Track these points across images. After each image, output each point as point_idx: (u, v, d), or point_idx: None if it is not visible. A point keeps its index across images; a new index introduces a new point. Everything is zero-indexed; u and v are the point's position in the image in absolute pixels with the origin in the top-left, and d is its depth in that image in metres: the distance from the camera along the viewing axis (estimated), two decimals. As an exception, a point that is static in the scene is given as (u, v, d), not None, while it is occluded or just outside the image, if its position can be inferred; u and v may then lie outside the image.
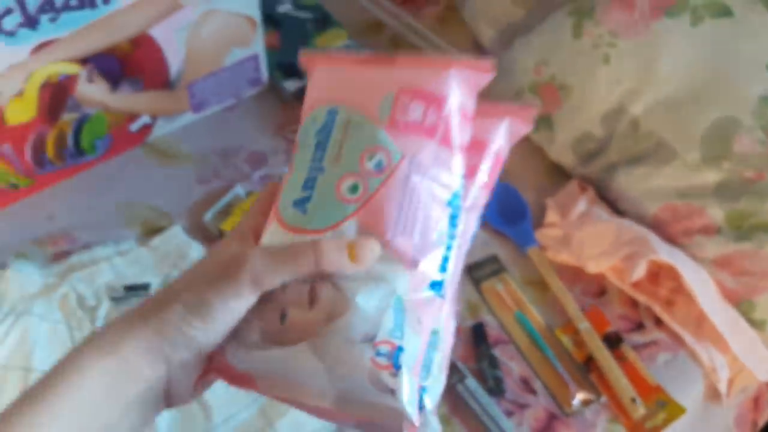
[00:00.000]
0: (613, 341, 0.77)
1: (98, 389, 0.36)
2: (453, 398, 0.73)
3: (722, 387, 0.76)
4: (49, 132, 0.82)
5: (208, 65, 0.91)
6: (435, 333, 0.39)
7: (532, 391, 0.75)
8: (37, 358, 0.70)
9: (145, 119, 0.89)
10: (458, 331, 0.76)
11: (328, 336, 0.37)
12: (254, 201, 0.44)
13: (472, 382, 0.74)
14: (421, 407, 0.38)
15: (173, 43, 0.85)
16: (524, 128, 0.45)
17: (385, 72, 0.41)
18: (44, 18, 0.73)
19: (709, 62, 0.79)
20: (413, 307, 0.38)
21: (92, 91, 0.82)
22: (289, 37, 1.02)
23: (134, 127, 0.89)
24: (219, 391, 0.68)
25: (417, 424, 0.37)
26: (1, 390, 0.68)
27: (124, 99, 0.86)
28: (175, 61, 0.87)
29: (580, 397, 0.73)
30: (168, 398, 0.39)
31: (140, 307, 0.39)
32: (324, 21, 1.04)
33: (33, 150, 0.82)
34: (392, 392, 0.36)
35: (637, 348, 0.77)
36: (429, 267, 0.39)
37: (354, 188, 0.39)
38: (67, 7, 0.73)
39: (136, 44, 0.82)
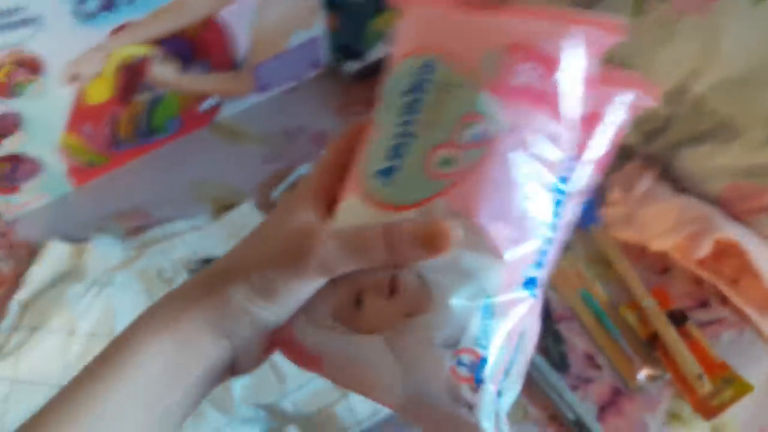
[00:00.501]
0: (677, 318, 0.77)
1: (158, 366, 0.34)
2: (517, 372, 0.75)
3: (788, 365, 0.76)
4: (124, 112, 0.85)
5: (272, 47, 0.93)
6: (522, 336, 0.36)
7: (597, 367, 0.76)
8: (120, 326, 0.73)
9: (212, 100, 0.92)
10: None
11: (406, 333, 0.33)
12: (328, 151, 0.38)
13: (536, 357, 0.75)
14: (497, 415, 0.35)
15: (240, 26, 0.87)
16: (647, 102, 0.39)
17: (493, 22, 0.35)
18: (122, 1, 0.75)
19: (773, 41, 0.79)
20: (503, 311, 0.34)
21: (164, 72, 0.85)
22: (349, 19, 1.03)
23: (203, 107, 0.92)
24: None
25: None
26: (88, 356, 0.69)
27: (194, 80, 0.89)
28: (241, 43, 0.89)
29: (644, 372, 0.74)
30: (231, 370, 0.38)
31: (200, 279, 0.36)
32: (382, 3, 1.05)
33: (109, 129, 0.85)
34: (470, 407, 0.33)
35: (702, 325, 0.77)
36: (525, 261, 0.34)
37: (447, 161, 0.34)
38: (144, -11, 0.76)
39: (205, 27, 0.84)
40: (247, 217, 0.83)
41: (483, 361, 0.33)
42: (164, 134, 0.91)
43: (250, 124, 0.95)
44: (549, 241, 0.35)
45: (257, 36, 0.90)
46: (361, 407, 0.71)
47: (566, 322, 0.78)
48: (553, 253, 0.36)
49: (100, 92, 0.81)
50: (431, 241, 0.33)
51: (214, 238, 0.82)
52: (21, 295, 0.75)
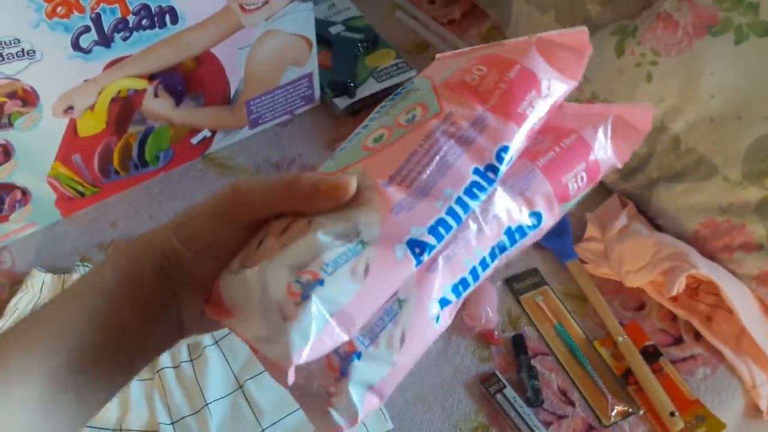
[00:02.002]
0: (651, 355, 0.77)
1: (111, 282, 0.39)
2: (492, 408, 0.75)
3: (763, 404, 0.76)
4: (116, 143, 0.88)
5: (265, 83, 0.96)
6: (399, 302, 0.35)
7: (571, 402, 0.76)
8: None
9: (205, 133, 0.95)
10: (497, 341, 0.79)
11: (273, 260, 0.34)
12: None
13: (510, 391, 0.76)
14: (344, 373, 0.34)
15: (234, 62, 0.90)
16: (636, 132, 0.42)
17: (475, 52, 0.40)
18: (117, 37, 0.78)
19: (752, 80, 0.80)
20: (372, 256, 0.33)
21: (157, 105, 0.88)
22: (341, 56, 1.06)
23: (195, 140, 0.94)
24: (269, 395, 0.73)
25: (297, 359, 0.31)
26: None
27: (187, 114, 0.91)
28: (235, 78, 0.92)
29: (618, 408, 0.74)
30: (180, 325, 0.41)
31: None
32: (374, 41, 1.08)
33: (100, 160, 0.88)
34: (285, 318, 0.32)
35: (676, 362, 0.78)
36: (415, 223, 0.35)
37: (378, 138, 0.38)
38: (139, 27, 0.79)
39: (200, 62, 0.87)
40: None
41: (319, 282, 0.32)
42: (156, 166, 0.93)
43: (241, 157, 0.97)
44: (455, 215, 0.36)
45: (251, 72, 0.93)
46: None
47: (541, 357, 0.79)
48: (464, 237, 0.36)
49: (93, 124, 0.84)
50: (327, 191, 0.36)
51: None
52: (1, 325, 0.76)
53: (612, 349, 0.79)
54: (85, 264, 0.83)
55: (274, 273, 0.33)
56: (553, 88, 0.39)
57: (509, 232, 0.38)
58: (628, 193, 0.89)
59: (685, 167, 0.83)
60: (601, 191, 0.91)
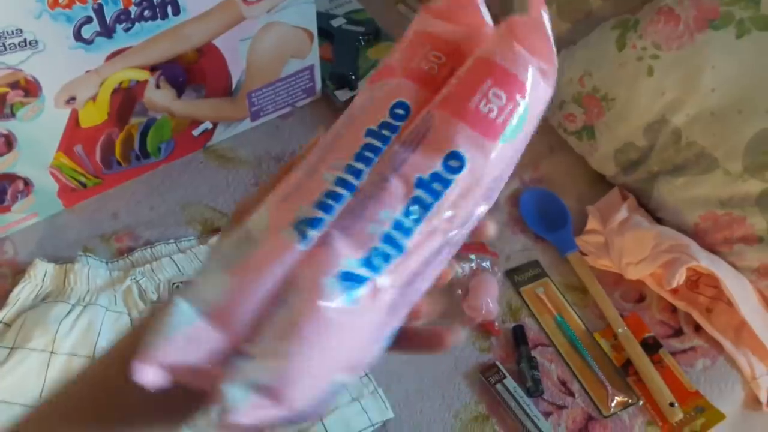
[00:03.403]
0: (651, 346, 0.78)
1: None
2: (492, 398, 0.76)
3: (762, 395, 0.76)
4: (118, 135, 0.88)
5: (267, 75, 0.96)
6: (288, 289, 0.31)
7: (570, 393, 0.76)
8: (101, 347, 0.75)
9: (206, 125, 0.95)
10: (497, 332, 0.79)
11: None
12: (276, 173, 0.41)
13: (511, 382, 0.76)
14: (228, 372, 0.30)
15: (236, 54, 0.90)
16: (536, 22, 0.35)
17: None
18: (119, 27, 0.78)
19: (753, 74, 0.80)
20: (256, 246, 0.32)
21: (159, 97, 0.88)
22: (342, 49, 1.07)
23: (196, 132, 0.95)
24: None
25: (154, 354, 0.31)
26: (67, 377, 0.73)
27: (188, 105, 0.91)
28: (236, 70, 0.92)
29: (617, 399, 0.75)
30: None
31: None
32: (375, 34, 1.08)
33: (102, 151, 0.88)
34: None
35: (676, 354, 0.78)
36: (302, 202, 0.32)
37: None
38: (141, 18, 0.79)
39: (202, 53, 0.87)
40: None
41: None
42: (157, 157, 0.93)
43: (243, 149, 0.97)
44: (345, 184, 0.32)
45: (252, 64, 0.93)
46: (336, 430, 0.72)
47: (542, 348, 0.79)
48: (367, 206, 0.32)
49: (95, 115, 0.84)
50: None
51: (201, 259, 0.84)
52: (4, 314, 0.76)
53: (612, 340, 0.79)
54: (88, 254, 0.83)
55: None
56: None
57: (423, 184, 0.32)
58: (629, 186, 0.89)
59: (686, 160, 0.84)
60: (602, 185, 0.92)
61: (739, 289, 0.78)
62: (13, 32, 0.71)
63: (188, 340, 0.30)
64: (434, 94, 0.34)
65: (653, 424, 0.74)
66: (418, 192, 0.32)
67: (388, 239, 0.32)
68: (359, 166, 0.33)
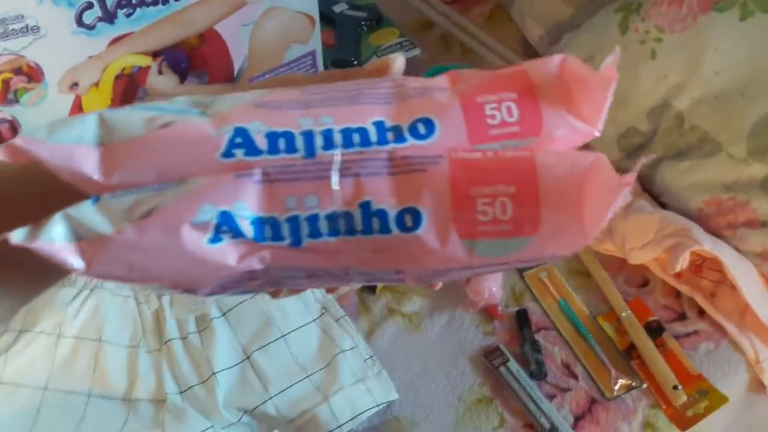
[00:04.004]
0: (654, 330, 0.78)
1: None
2: (495, 380, 0.76)
3: (766, 379, 0.77)
4: (121, 121, 0.88)
5: (269, 61, 0.95)
6: (180, 182, 0.28)
7: (574, 376, 0.77)
8: (107, 330, 0.75)
9: (208, 111, 0.95)
10: (501, 316, 0.79)
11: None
12: None
13: (514, 364, 0.76)
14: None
15: (238, 39, 0.90)
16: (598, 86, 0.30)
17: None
18: (121, 13, 0.78)
19: (757, 56, 0.80)
20: (190, 120, 0.29)
21: (161, 82, 0.88)
22: (344, 34, 1.06)
23: (198, 117, 0.94)
24: (277, 364, 0.74)
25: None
26: (74, 360, 0.73)
27: (190, 91, 0.91)
28: (238, 56, 0.92)
29: (621, 382, 0.75)
30: None
31: None
32: (377, 20, 1.08)
33: (106, 137, 0.88)
34: None
35: (679, 338, 0.78)
36: (260, 119, 0.29)
37: None
38: (142, 3, 0.78)
39: (203, 39, 0.87)
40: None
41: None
42: (160, 143, 0.93)
43: (245, 134, 0.97)
44: (309, 139, 0.28)
45: (254, 49, 0.92)
46: (342, 410, 0.72)
47: (545, 332, 0.79)
48: (300, 169, 0.28)
49: (98, 101, 0.84)
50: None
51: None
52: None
53: (615, 324, 0.79)
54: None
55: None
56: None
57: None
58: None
59: (690, 145, 0.83)
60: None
61: (742, 273, 0.78)
62: (15, 18, 0.71)
63: (69, 153, 0.28)
64: None
65: (657, 407, 0.74)
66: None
67: (293, 220, 0.29)
68: (337, 139, 0.29)
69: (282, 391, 0.73)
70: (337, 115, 0.29)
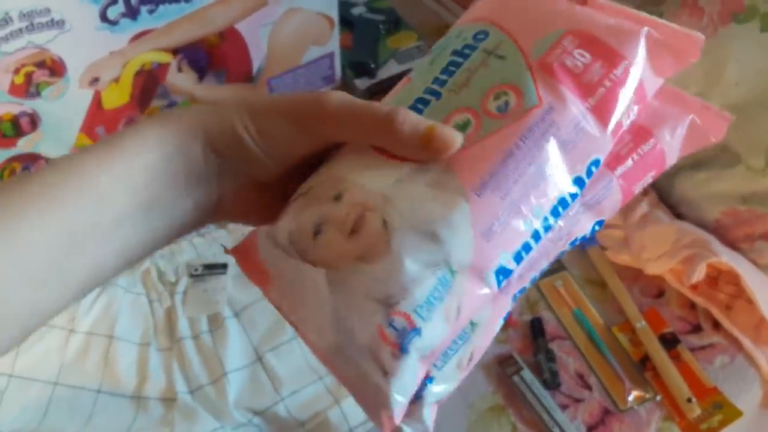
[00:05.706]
0: (669, 341, 0.78)
1: (152, 156, 0.33)
2: (508, 389, 0.75)
3: (780, 394, 0.76)
4: (139, 117, 0.88)
5: (287, 62, 0.95)
6: (472, 325, 0.33)
7: (587, 386, 0.76)
8: (119, 327, 0.75)
9: (226, 110, 0.95)
10: (515, 324, 0.79)
11: (350, 276, 0.30)
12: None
13: (528, 373, 0.76)
14: (419, 397, 0.32)
15: (257, 39, 0.90)
16: (708, 136, 0.38)
17: (568, 7, 0.34)
18: (144, 9, 0.78)
19: (778, 69, 0.80)
20: (460, 291, 0.31)
21: (181, 80, 0.88)
22: (362, 37, 1.06)
23: (216, 116, 0.94)
24: (288, 365, 0.73)
25: (398, 419, 0.30)
26: (85, 356, 0.73)
27: (209, 90, 0.91)
28: (257, 56, 0.92)
29: (635, 393, 0.75)
30: (212, 210, 0.36)
31: (209, 105, 0.36)
32: (395, 23, 1.08)
33: (123, 133, 0.88)
34: (385, 374, 0.30)
35: (694, 350, 0.78)
36: (503, 247, 0.31)
37: (464, 125, 0.32)
38: (164, 0, 0.79)
39: (223, 38, 0.87)
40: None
41: (415, 331, 0.30)
42: (177, 141, 0.93)
43: (261, 134, 0.97)
44: (536, 236, 0.32)
45: (273, 50, 0.93)
46: (353, 413, 0.72)
47: (559, 341, 0.79)
48: (535, 256, 0.33)
49: (117, 97, 0.84)
50: (429, 140, 0.31)
51: (219, 244, 0.84)
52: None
53: (630, 335, 0.79)
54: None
55: (357, 302, 0.30)
56: (648, 91, 0.34)
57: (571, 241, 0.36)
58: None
59: (708, 155, 0.83)
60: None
61: (759, 286, 0.77)
62: (41, 11, 0.71)
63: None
64: None
65: (670, 420, 0.73)
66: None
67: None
68: (551, 220, 0.33)
69: (293, 393, 0.73)
70: (541, 199, 0.32)
